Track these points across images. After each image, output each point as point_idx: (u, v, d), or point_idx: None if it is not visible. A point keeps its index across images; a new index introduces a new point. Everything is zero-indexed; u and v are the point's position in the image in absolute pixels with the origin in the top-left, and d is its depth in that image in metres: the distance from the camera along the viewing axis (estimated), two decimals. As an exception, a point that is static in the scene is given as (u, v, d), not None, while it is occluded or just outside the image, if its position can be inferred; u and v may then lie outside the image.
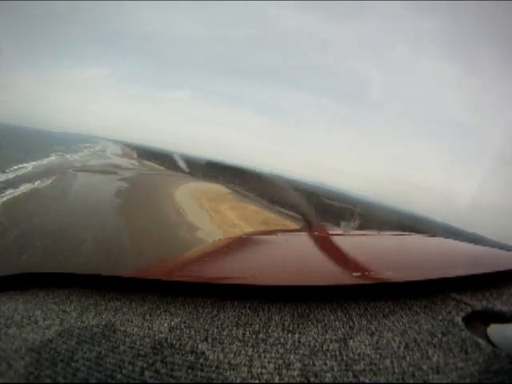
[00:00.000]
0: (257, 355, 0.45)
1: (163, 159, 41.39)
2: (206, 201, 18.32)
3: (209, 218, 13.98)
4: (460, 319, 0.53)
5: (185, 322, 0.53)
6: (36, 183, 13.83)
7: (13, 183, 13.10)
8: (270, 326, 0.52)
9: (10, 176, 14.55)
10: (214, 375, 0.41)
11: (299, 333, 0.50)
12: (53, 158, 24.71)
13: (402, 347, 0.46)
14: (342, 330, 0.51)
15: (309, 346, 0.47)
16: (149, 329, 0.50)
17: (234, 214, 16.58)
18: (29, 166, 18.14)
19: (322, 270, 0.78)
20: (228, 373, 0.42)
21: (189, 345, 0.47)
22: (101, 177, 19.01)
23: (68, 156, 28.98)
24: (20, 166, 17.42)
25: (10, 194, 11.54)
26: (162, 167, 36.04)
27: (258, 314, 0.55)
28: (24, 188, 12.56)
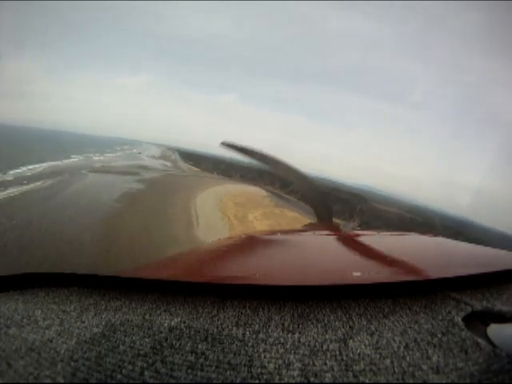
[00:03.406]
0: (257, 355, 0.45)
1: (200, 161, 40.41)
2: (233, 206, 15.18)
3: (227, 232, 10.50)
4: (460, 319, 0.52)
5: (185, 322, 0.52)
6: (32, 185, 12.83)
7: (5, 185, 12.33)
8: (269, 326, 0.51)
9: (8, 178, 13.78)
10: (213, 375, 0.41)
11: (299, 333, 0.50)
12: (74, 159, 24.44)
13: (402, 347, 0.46)
14: (342, 329, 0.51)
15: (309, 345, 0.47)
16: (149, 329, 0.50)
17: (264, 225, 13.00)
18: (40, 167, 17.71)
19: (322, 270, 0.77)
20: (228, 373, 0.41)
21: (189, 345, 0.46)
22: (115, 178, 17.81)
23: (94, 157, 28.69)
24: (32, 166, 17.01)
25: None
26: (197, 169, 34.89)
27: (258, 314, 0.55)
28: (11, 191, 11.47)
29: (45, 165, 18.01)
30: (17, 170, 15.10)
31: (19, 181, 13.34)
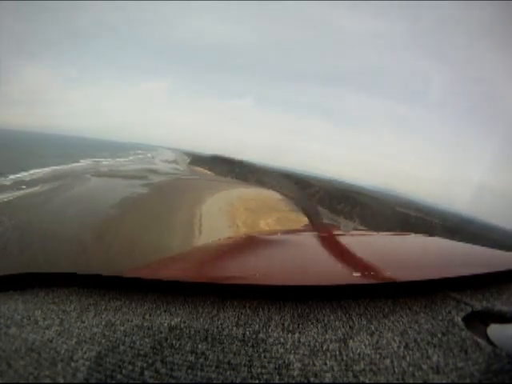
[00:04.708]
0: (257, 355, 0.45)
1: (214, 164, 39.87)
2: (244, 212, 13.90)
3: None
4: (460, 319, 0.52)
5: (185, 322, 0.52)
6: (29, 190, 12.43)
7: (5, 189, 12.31)
8: (269, 326, 0.51)
9: (6, 183, 13.46)
10: (213, 375, 0.41)
11: (299, 333, 0.50)
12: (81, 164, 24.17)
13: (402, 347, 0.46)
14: (342, 329, 0.50)
15: (309, 345, 0.47)
16: (149, 329, 0.50)
17: (277, 232, 11.15)
18: (41, 172, 17.56)
19: (322, 270, 0.77)
20: (228, 373, 0.41)
21: (189, 345, 0.46)
22: (119, 182, 17.03)
23: (104, 161, 28.37)
24: (33, 171, 16.84)
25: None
26: (211, 172, 34.30)
27: (257, 314, 0.55)
28: (9, 195, 11.49)
29: (48, 169, 17.80)
30: (17, 175, 15.02)
31: (17, 185, 13.12)
